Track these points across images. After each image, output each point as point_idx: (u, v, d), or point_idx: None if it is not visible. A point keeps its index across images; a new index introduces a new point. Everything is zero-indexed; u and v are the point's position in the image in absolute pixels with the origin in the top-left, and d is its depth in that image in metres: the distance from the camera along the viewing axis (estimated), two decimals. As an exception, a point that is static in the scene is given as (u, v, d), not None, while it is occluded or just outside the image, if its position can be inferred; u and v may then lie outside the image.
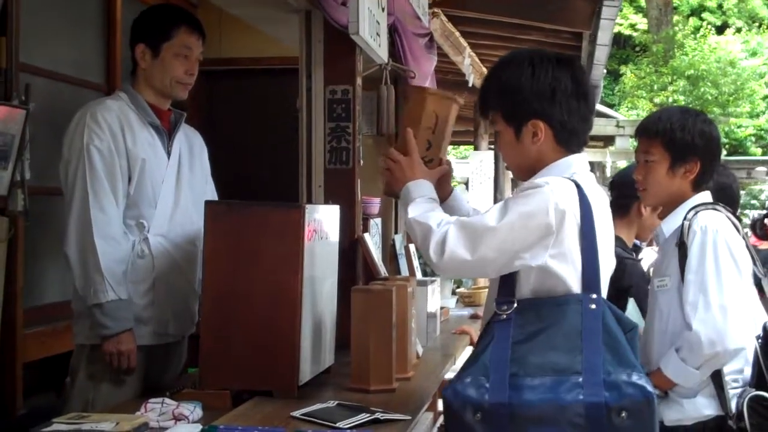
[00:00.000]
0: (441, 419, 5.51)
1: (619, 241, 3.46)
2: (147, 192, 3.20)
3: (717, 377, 2.89)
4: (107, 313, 3.05)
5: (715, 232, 2.87)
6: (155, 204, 3.22)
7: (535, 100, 2.39)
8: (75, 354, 3.23)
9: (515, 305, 2.30)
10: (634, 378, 2.16)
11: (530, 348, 2.23)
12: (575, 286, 2.29)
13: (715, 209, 2.96)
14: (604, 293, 2.37)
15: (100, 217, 3.06)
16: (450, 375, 5.46)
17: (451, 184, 2.78)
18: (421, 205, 2.47)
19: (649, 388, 2.16)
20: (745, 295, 2.91)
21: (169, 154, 3.30)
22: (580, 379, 2.16)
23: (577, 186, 2.33)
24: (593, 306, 2.26)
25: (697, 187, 3.05)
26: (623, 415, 2.13)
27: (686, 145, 3.00)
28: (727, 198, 3.44)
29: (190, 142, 3.46)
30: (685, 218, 2.93)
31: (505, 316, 2.30)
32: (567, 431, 2.15)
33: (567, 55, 2.52)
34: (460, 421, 2.22)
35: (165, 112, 3.35)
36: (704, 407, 2.91)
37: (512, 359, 2.22)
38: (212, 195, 3.53)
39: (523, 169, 2.50)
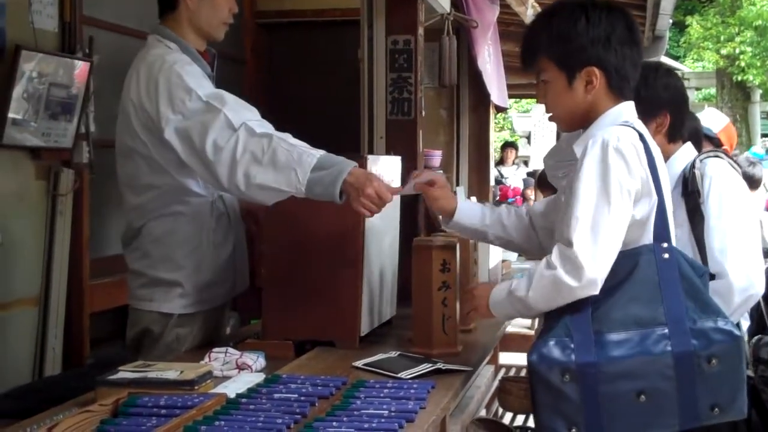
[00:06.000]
0: (501, 372, 5.52)
1: None
2: None
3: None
4: (327, 165, 2.66)
5: (729, 179, 2.86)
6: None
7: (591, 47, 2.34)
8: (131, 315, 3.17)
9: None
10: (720, 324, 2.17)
11: (610, 304, 2.21)
12: (647, 237, 2.26)
13: (718, 156, 2.95)
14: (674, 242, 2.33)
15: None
16: (510, 329, 5.47)
17: (449, 196, 2.81)
18: (519, 285, 2.32)
19: (737, 331, 2.17)
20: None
21: None
22: (666, 330, 2.16)
23: (638, 133, 2.29)
24: (666, 255, 2.24)
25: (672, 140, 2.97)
26: (713, 362, 2.14)
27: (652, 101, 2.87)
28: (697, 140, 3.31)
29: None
30: (693, 167, 2.87)
31: None
32: (657, 383, 2.15)
33: (616, 3, 2.46)
34: (548, 385, 2.19)
35: (205, 54, 3.09)
36: None
37: (593, 317, 2.20)
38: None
39: (573, 119, 2.44)
